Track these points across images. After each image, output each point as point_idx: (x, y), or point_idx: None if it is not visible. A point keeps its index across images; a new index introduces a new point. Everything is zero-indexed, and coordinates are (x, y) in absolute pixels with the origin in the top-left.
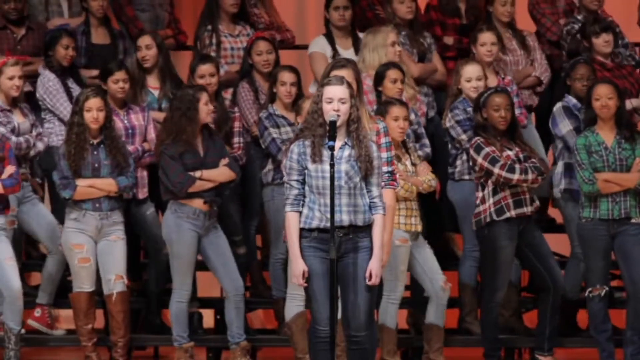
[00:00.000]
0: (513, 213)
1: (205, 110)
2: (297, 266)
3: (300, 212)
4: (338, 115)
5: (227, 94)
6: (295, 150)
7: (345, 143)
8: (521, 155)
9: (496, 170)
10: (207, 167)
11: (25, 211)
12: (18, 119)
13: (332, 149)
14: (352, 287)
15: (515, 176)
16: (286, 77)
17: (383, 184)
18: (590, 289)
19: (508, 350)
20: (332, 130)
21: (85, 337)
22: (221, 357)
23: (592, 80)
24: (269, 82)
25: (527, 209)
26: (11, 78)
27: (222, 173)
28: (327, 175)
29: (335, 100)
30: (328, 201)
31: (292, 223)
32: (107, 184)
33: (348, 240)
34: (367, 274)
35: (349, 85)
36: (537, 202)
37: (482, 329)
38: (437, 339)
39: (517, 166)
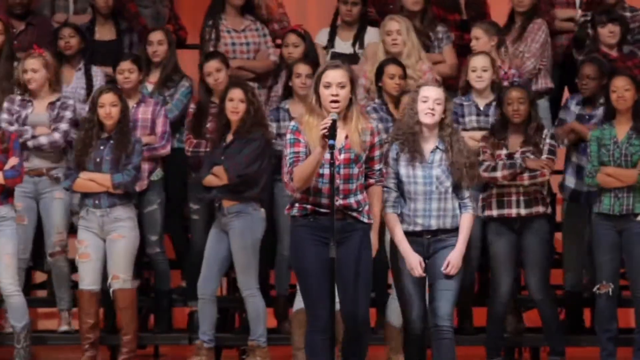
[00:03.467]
0: (494, 213)
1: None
2: (413, 259)
3: (399, 214)
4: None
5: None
6: (390, 155)
7: (437, 147)
8: (518, 153)
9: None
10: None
11: (40, 206)
12: (37, 110)
13: (332, 147)
14: (439, 280)
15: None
16: (301, 69)
17: (373, 180)
18: (598, 286)
19: (508, 349)
20: (332, 128)
21: (84, 335)
22: (221, 357)
23: (596, 80)
24: (286, 76)
25: (512, 211)
26: (24, 71)
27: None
28: (420, 180)
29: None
30: (419, 206)
31: (394, 223)
32: (104, 180)
33: (437, 242)
34: (445, 264)
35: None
36: (538, 208)
37: (487, 326)
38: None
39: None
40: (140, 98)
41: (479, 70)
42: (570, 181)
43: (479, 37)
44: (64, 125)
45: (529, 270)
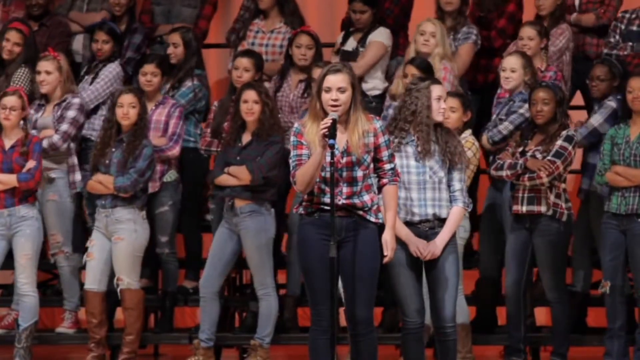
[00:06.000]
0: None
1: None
2: (418, 243)
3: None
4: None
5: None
6: None
7: (430, 139)
8: (528, 154)
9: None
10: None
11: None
12: (45, 113)
13: (332, 147)
14: (439, 280)
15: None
16: (318, 74)
17: (387, 180)
18: (602, 284)
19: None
20: (332, 128)
21: (90, 334)
22: (221, 356)
23: (606, 81)
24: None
25: (520, 207)
26: (38, 73)
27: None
28: (413, 170)
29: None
30: (414, 195)
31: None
32: (108, 182)
33: (434, 234)
34: (426, 251)
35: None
36: (540, 208)
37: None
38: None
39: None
40: (160, 100)
41: (507, 70)
42: (585, 182)
43: (533, 38)
44: (64, 126)
45: (540, 270)
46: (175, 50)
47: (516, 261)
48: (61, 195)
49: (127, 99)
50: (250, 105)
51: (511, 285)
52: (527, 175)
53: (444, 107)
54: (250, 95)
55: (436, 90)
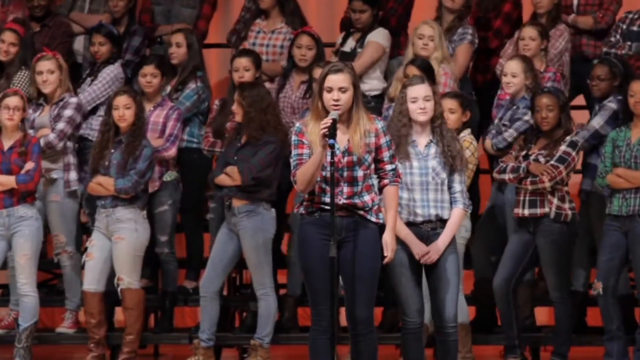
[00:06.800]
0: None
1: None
2: (421, 247)
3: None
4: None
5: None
6: None
7: (431, 140)
8: (532, 158)
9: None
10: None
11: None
12: (43, 114)
13: (332, 147)
14: (440, 281)
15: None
16: (319, 74)
17: (387, 181)
18: (594, 285)
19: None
20: (332, 128)
21: (89, 334)
22: (221, 356)
23: (607, 81)
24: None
25: (521, 211)
26: (39, 73)
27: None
28: (415, 171)
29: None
30: (416, 196)
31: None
32: (109, 183)
33: (435, 235)
34: (425, 252)
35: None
36: (544, 210)
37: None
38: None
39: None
40: (159, 102)
41: (508, 75)
42: (586, 183)
43: (534, 39)
44: (60, 125)
45: (543, 270)
46: (178, 50)
47: (512, 260)
48: (63, 195)
49: (121, 100)
50: (234, 107)
51: (499, 282)
52: (529, 179)
53: (423, 107)
54: (234, 96)
55: (411, 92)
